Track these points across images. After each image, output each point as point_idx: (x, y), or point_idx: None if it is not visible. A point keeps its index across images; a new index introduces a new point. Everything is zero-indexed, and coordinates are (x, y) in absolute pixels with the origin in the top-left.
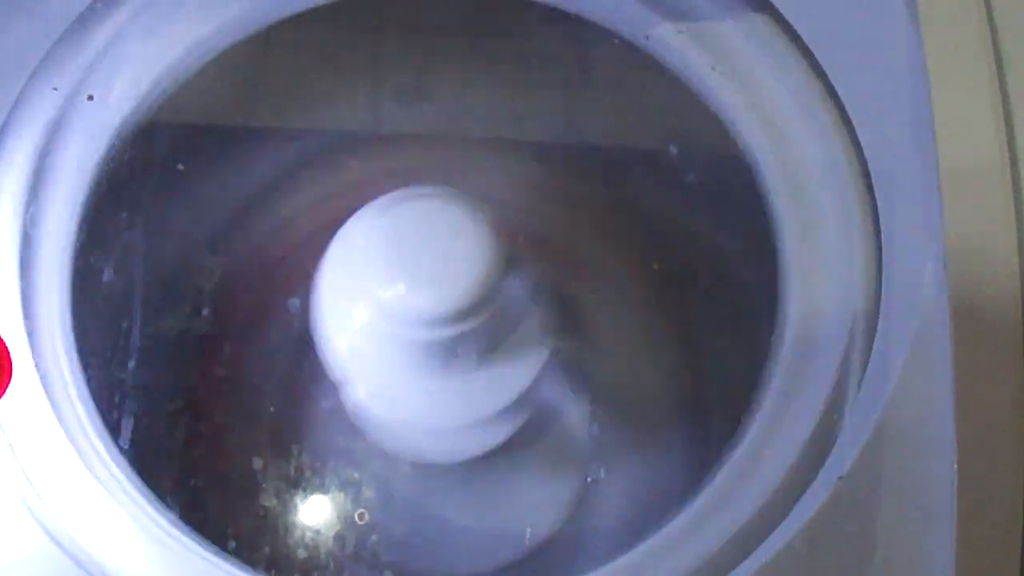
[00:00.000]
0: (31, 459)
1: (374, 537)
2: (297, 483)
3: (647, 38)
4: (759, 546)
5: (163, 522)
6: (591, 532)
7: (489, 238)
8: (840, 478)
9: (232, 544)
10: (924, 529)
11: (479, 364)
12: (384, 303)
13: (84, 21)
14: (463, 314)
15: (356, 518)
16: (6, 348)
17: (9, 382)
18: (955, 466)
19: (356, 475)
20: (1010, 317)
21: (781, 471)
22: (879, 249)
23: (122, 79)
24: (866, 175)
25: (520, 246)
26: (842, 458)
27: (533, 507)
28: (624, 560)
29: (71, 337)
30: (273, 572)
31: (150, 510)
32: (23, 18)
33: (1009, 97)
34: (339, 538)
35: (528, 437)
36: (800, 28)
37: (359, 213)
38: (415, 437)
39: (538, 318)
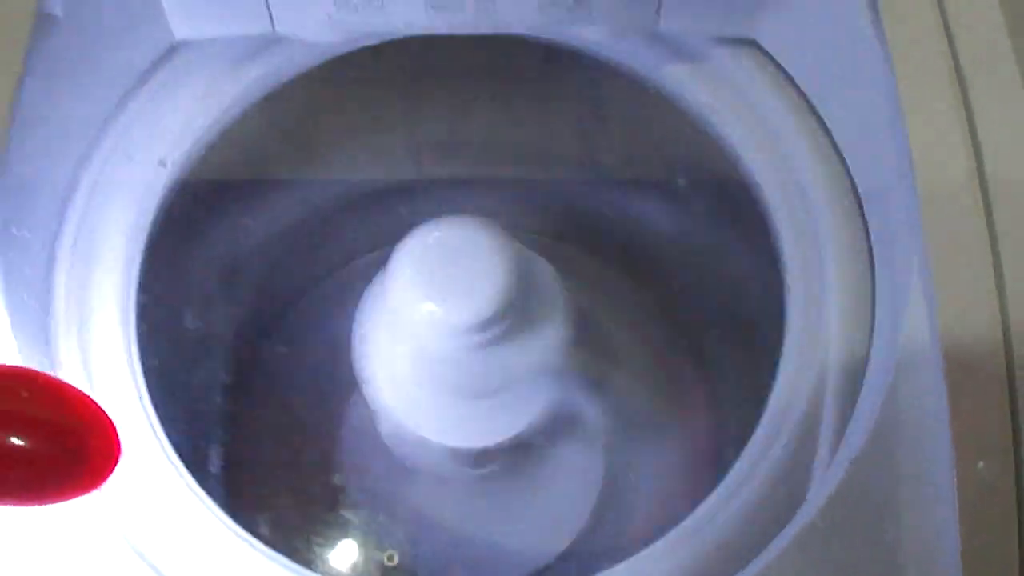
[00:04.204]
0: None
1: (410, 550)
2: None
3: (650, 75)
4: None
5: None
6: (614, 529)
7: (507, 255)
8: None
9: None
10: (929, 506)
11: (504, 382)
12: (414, 321)
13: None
14: (486, 323)
15: (385, 559)
16: (113, 428)
17: (118, 460)
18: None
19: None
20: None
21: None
22: (871, 256)
23: (165, 139)
24: (855, 193)
25: (541, 261)
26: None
27: (557, 514)
28: (648, 550)
29: (143, 390)
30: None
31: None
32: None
33: (975, 118)
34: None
35: (546, 450)
36: (782, 59)
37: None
38: (442, 460)
39: (557, 335)
